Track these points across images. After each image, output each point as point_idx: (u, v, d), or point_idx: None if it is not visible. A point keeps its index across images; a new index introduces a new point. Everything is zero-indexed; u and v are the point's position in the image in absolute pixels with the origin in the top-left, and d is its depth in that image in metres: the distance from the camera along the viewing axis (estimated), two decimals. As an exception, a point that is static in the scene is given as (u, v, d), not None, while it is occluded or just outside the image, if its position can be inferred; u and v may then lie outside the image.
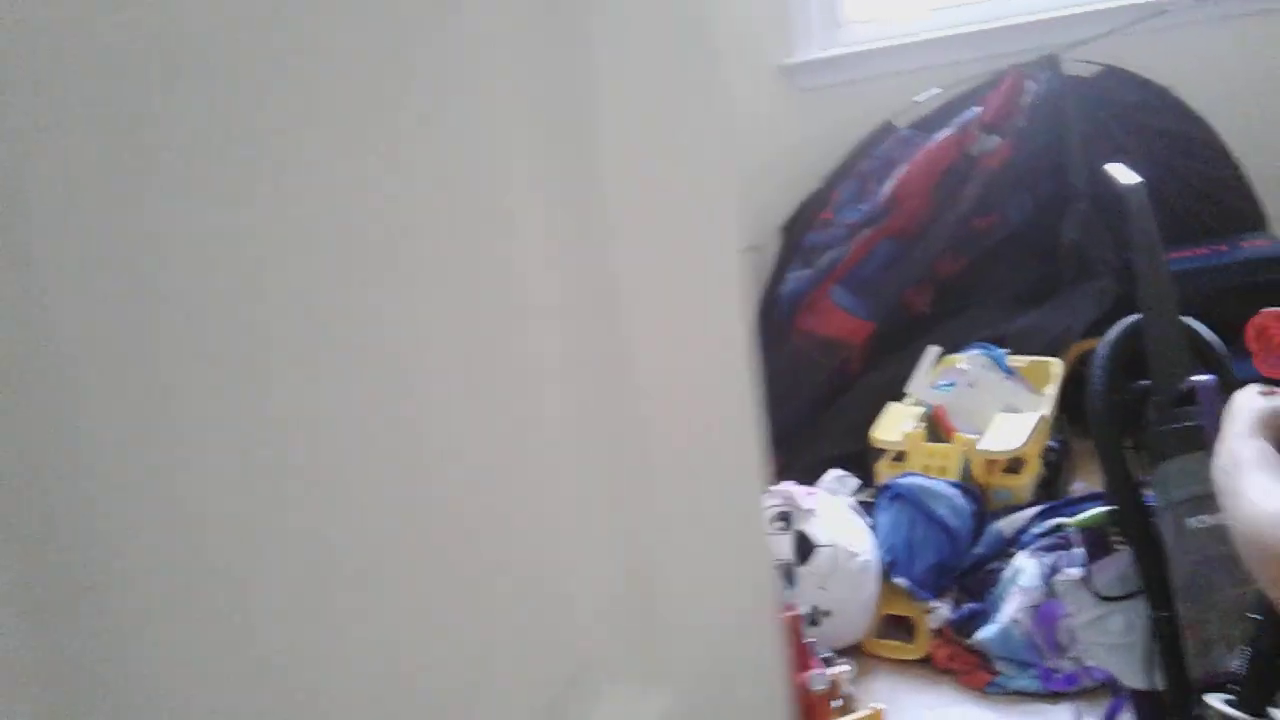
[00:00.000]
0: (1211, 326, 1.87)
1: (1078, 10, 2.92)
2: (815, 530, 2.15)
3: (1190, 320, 2.10)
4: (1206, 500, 1.31)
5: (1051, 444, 2.47)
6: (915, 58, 2.93)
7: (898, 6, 3.03)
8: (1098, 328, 2.05)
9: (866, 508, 2.35)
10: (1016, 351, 2.61)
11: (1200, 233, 2.86)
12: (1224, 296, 2.76)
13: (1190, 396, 1.60)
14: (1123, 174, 2.12)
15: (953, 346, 2.65)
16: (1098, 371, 2.06)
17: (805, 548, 2.14)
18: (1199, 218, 2.90)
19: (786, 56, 2.94)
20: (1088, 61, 2.88)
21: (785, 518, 2.15)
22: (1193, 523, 1.42)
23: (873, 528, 2.27)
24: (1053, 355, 2.61)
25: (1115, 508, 1.60)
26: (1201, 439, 1.38)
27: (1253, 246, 2.80)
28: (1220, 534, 1.20)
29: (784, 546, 2.11)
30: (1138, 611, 1.52)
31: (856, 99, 2.95)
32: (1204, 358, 2.04)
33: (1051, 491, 2.41)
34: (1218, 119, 2.89)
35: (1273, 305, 1.61)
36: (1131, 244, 2.05)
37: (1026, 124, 2.81)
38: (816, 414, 2.78)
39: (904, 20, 2.99)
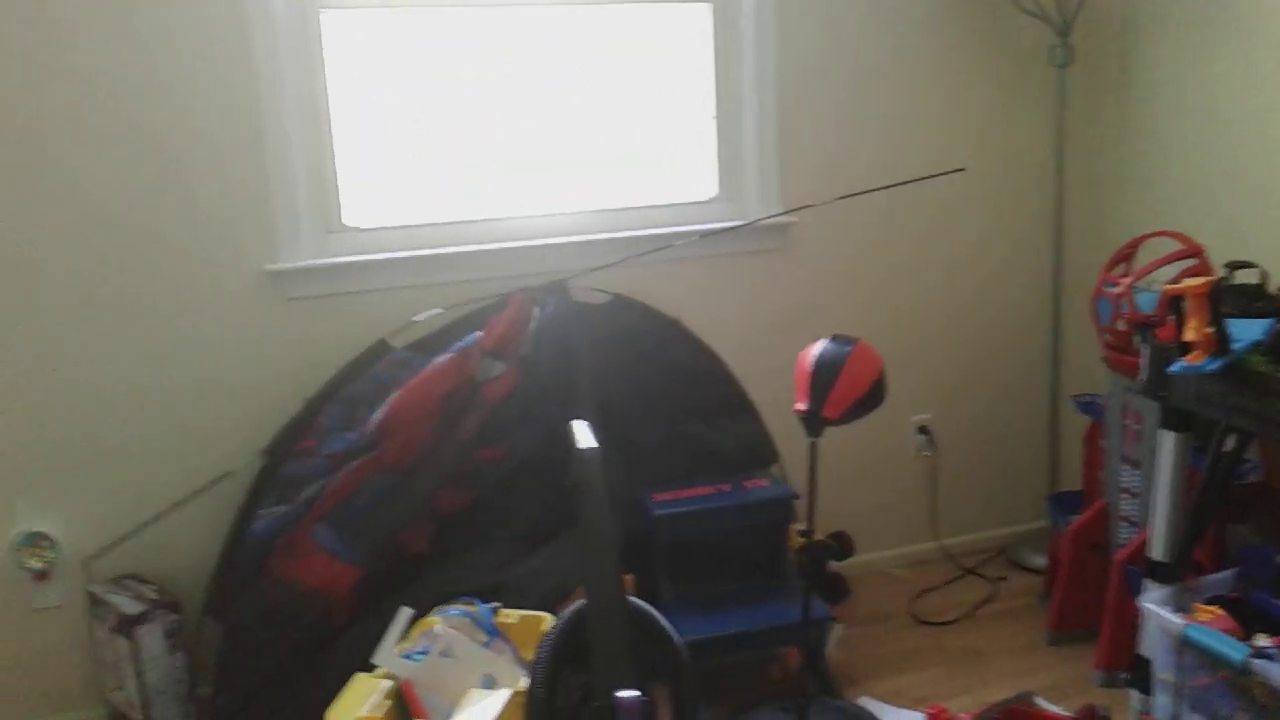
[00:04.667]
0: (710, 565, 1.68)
1: (587, 238, 2.82)
2: None
3: (642, 604, 1.92)
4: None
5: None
6: (416, 273, 2.69)
7: (403, 216, 2.79)
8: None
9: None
10: (512, 604, 2.33)
11: (714, 468, 2.79)
12: (728, 539, 2.70)
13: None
14: (583, 435, 1.94)
15: (447, 596, 2.34)
16: (538, 674, 1.81)
17: None
18: (712, 451, 2.84)
19: (270, 261, 2.59)
20: (597, 290, 2.78)
21: None
22: None
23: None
24: (554, 605, 2.36)
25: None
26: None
27: (755, 487, 2.74)
28: None
29: None
30: None
31: (349, 314, 2.64)
32: (659, 644, 1.85)
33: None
34: (725, 352, 2.87)
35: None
36: (579, 514, 1.85)
37: (533, 351, 2.63)
38: (293, 677, 2.33)
39: (407, 233, 2.74)
